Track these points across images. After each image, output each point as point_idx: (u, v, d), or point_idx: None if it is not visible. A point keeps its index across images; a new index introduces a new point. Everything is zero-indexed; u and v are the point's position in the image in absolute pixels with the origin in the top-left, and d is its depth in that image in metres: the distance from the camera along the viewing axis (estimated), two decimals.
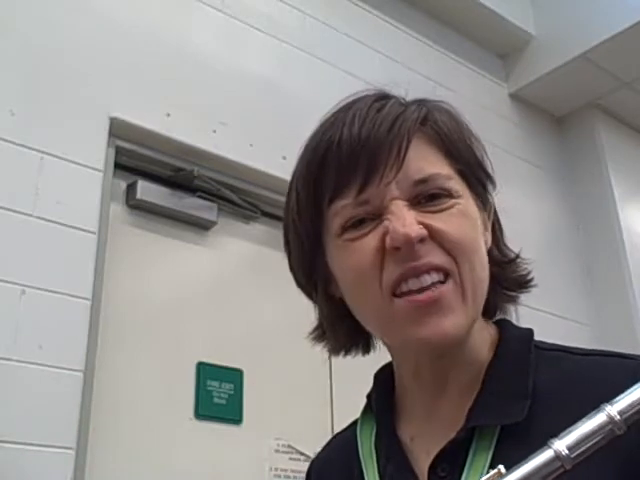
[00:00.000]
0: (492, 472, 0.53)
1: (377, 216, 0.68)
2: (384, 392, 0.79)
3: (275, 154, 2.26)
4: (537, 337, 0.75)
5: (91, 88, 1.97)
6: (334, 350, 0.81)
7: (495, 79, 3.24)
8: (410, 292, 0.66)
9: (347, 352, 0.82)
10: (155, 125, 2.06)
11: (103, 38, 2.05)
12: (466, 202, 0.71)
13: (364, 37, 2.73)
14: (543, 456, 0.52)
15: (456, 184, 0.70)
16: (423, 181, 0.68)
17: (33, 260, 1.73)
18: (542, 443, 0.58)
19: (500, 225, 0.79)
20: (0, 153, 1.76)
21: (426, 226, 0.66)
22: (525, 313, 0.79)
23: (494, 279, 0.74)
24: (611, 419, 0.53)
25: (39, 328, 1.68)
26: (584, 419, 0.54)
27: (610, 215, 3.17)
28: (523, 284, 0.78)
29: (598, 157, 3.28)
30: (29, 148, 1.81)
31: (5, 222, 1.72)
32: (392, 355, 0.78)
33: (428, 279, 0.66)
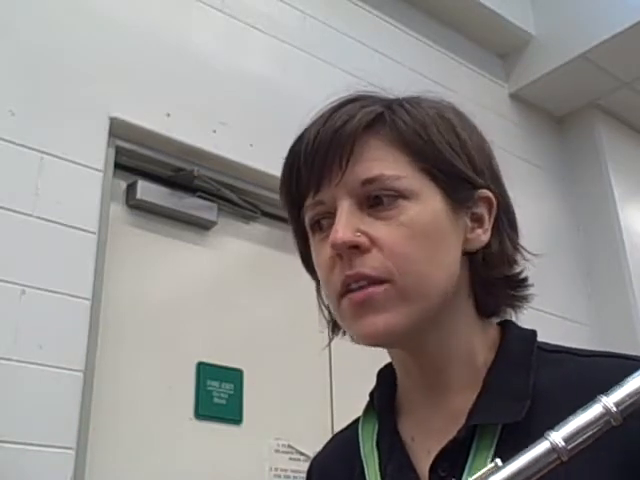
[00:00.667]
0: (489, 465, 0.54)
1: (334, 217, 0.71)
2: (386, 390, 0.79)
3: (275, 154, 2.23)
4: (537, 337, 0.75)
5: (91, 88, 1.97)
6: (352, 339, 0.82)
7: (495, 79, 3.24)
8: (350, 291, 0.69)
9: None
10: (155, 125, 2.06)
11: (103, 38, 2.05)
12: (423, 203, 0.70)
13: (364, 37, 2.73)
14: (539, 448, 0.53)
15: (411, 184, 0.70)
16: (370, 181, 0.70)
17: (33, 260, 1.73)
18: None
19: (511, 222, 0.77)
20: (0, 153, 1.77)
21: (365, 233, 0.69)
22: (525, 313, 0.78)
23: (484, 280, 0.74)
24: (607, 410, 0.53)
25: (39, 328, 1.68)
26: (580, 410, 0.54)
27: (610, 215, 3.17)
28: (515, 282, 0.76)
29: (598, 157, 3.28)
30: (29, 148, 1.81)
31: (5, 222, 1.72)
32: (388, 354, 0.79)
33: (363, 282, 0.68)
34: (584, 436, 0.53)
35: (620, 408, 0.53)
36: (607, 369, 0.68)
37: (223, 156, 2.17)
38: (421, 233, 0.69)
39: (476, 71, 3.15)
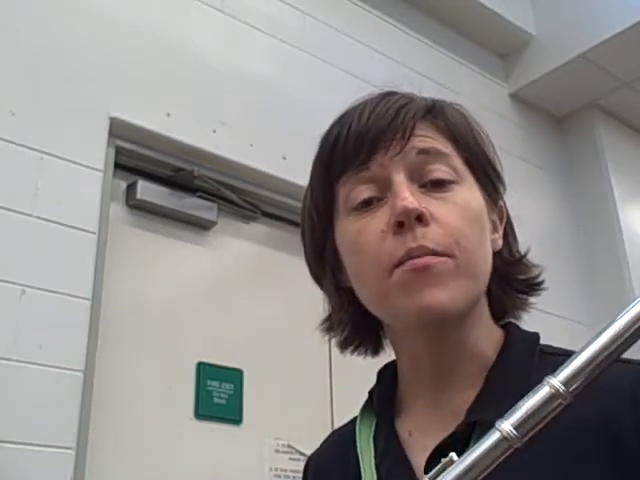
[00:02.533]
0: (444, 460, 0.53)
1: (383, 194, 0.70)
2: (386, 388, 0.79)
3: (275, 154, 2.26)
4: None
5: (91, 88, 1.97)
6: (342, 345, 0.81)
7: (495, 79, 3.24)
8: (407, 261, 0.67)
9: (355, 349, 0.82)
10: (155, 125, 2.06)
11: (103, 38, 2.05)
12: (469, 189, 0.73)
13: (364, 37, 2.73)
14: (491, 439, 0.52)
15: (459, 166, 0.73)
16: (426, 151, 0.71)
17: (33, 260, 1.73)
18: (539, 443, 0.58)
19: (513, 229, 0.81)
20: (0, 153, 1.77)
21: (426, 209, 0.68)
22: (525, 313, 0.79)
23: (503, 280, 0.76)
24: (556, 391, 0.52)
25: (39, 328, 1.68)
26: (529, 394, 0.53)
27: (610, 215, 3.17)
28: (533, 285, 0.79)
29: (598, 157, 3.28)
30: (29, 148, 1.81)
31: (5, 222, 1.72)
32: (394, 349, 0.78)
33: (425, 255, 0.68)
34: (535, 420, 0.52)
35: (569, 387, 0.52)
36: (609, 372, 0.68)
37: (223, 156, 2.17)
38: (474, 216, 0.71)
39: (476, 71, 3.15)
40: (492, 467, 0.52)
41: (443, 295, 0.67)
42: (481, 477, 0.51)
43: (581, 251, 3.17)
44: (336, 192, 0.74)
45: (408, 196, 0.67)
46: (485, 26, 3.13)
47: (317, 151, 0.76)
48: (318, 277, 0.81)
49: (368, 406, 0.80)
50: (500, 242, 0.77)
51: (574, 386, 0.52)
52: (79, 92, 1.94)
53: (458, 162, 0.73)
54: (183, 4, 2.29)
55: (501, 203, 0.79)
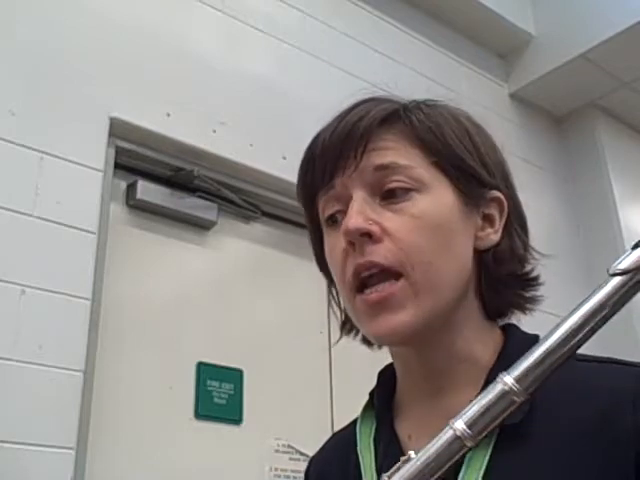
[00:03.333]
0: (403, 458, 0.54)
1: (348, 208, 0.72)
2: (386, 390, 0.79)
3: (275, 154, 2.26)
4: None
5: (91, 88, 1.97)
6: (364, 342, 0.82)
7: (495, 79, 3.23)
8: (365, 291, 0.70)
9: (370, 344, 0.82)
10: (155, 125, 2.06)
11: (103, 38, 2.05)
12: (435, 196, 0.72)
13: (364, 37, 2.73)
14: (445, 437, 0.53)
15: (423, 175, 0.72)
16: (383, 167, 0.72)
17: (33, 260, 1.73)
18: (538, 445, 0.58)
19: (522, 224, 0.79)
20: (0, 153, 1.76)
21: (377, 223, 0.70)
22: (525, 310, 0.79)
23: (494, 278, 0.74)
24: (509, 388, 0.52)
25: (39, 328, 1.68)
26: (484, 393, 0.53)
27: (610, 215, 3.17)
28: (526, 281, 0.77)
29: (598, 157, 3.27)
30: (29, 148, 1.81)
31: (5, 222, 1.72)
32: (390, 352, 0.79)
33: (376, 278, 0.69)
34: (488, 418, 0.53)
35: (523, 385, 0.52)
36: (607, 375, 0.68)
37: (223, 156, 2.17)
38: (432, 225, 0.71)
39: (476, 71, 3.15)
40: (447, 465, 0.53)
41: (396, 320, 0.68)
42: (437, 475, 0.52)
43: (581, 251, 3.17)
44: (317, 207, 0.77)
45: (354, 215, 0.69)
46: (485, 26, 3.13)
47: (298, 172, 0.79)
48: (325, 276, 0.84)
49: (369, 407, 0.80)
50: (495, 237, 0.75)
51: (527, 383, 0.53)
52: (79, 92, 1.94)
53: (420, 171, 0.72)
54: (183, 4, 2.29)
55: (498, 195, 0.76)
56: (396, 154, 0.72)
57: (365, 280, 0.70)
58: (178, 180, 2.16)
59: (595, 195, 3.24)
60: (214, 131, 2.17)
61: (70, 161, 1.86)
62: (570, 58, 3.05)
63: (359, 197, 0.71)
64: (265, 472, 2.05)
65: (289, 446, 2.11)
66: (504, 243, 0.75)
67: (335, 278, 0.75)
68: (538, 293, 0.78)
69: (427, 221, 0.70)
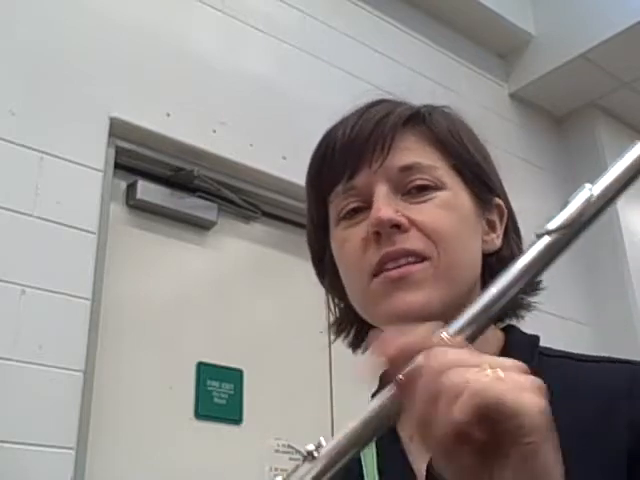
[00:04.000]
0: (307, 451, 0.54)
1: (369, 205, 0.72)
2: None
3: (275, 154, 2.26)
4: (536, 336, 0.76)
5: (91, 88, 1.97)
6: (351, 346, 0.83)
7: (495, 79, 3.23)
8: (385, 270, 0.70)
9: (365, 349, 0.83)
10: (155, 125, 2.06)
11: (103, 38, 2.05)
12: (454, 195, 0.73)
13: (364, 37, 2.73)
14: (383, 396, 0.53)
15: (444, 175, 0.73)
16: (407, 168, 0.73)
17: (33, 260, 1.73)
18: None
19: (516, 231, 0.81)
20: (0, 153, 1.76)
21: (404, 215, 0.70)
22: (524, 313, 0.79)
23: None
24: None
25: (39, 328, 1.68)
26: None
27: (610, 215, 3.17)
28: (531, 285, 0.78)
29: (598, 157, 3.27)
30: (29, 148, 1.81)
31: (5, 222, 1.72)
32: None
33: (403, 260, 0.69)
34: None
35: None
36: (606, 374, 0.68)
37: (223, 156, 2.17)
38: (457, 219, 0.72)
39: (476, 71, 3.15)
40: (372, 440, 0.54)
41: (414, 298, 0.69)
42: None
43: (581, 251, 3.16)
44: (328, 206, 0.77)
45: (382, 207, 0.70)
46: (485, 26, 3.13)
47: (308, 169, 0.79)
48: (322, 282, 0.84)
49: None
50: (498, 242, 0.77)
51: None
52: (79, 92, 1.94)
53: (442, 171, 0.74)
54: (183, 4, 2.29)
55: (500, 202, 0.79)
56: (419, 154, 0.74)
57: (386, 271, 0.70)
58: (178, 180, 2.16)
59: None
60: (214, 131, 2.17)
61: (70, 161, 1.86)
62: (570, 58, 3.05)
63: (383, 191, 0.72)
64: (265, 472, 2.05)
65: (289, 446, 2.11)
66: (505, 249, 0.77)
67: (345, 268, 0.75)
68: (535, 300, 0.79)
69: (451, 214, 0.72)
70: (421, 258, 0.70)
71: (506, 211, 0.79)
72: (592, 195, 0.56)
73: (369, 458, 0.75)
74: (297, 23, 2.56)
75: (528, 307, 0.79)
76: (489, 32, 3.15)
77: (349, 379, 2.28)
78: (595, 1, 3.05)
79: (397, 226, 0.70)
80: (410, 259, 0.69)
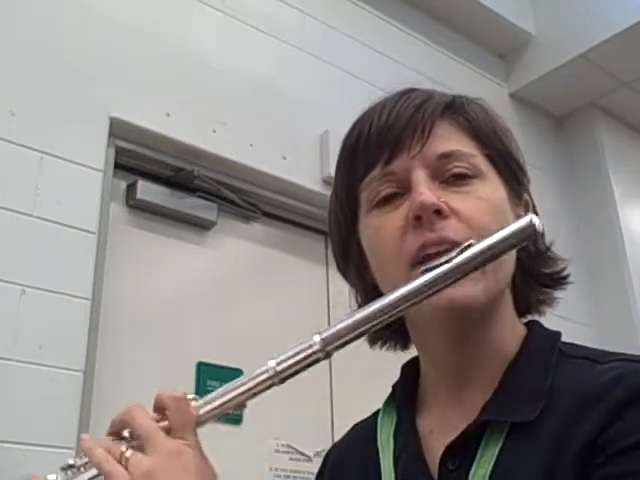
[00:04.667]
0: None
1: (405, 191, 0.71)
2: (409, 384, 0.80)
3: (275, 154, 2.26)
4: None
5: (91, 88, 1.97)
6: (371, 340, 0.82)
7: (495, 79, 3.23)
8: (427, 257, 0.68)
9: (384, 344, 0.82)
10: (155, 125, 2.06)
11: (103, 38, 2.05)
12: (491, 184, 0.73)
13: (364, 37, 2.73)
14: (259, 371, 0.72)
15: (481, 163, 0.73)
16: (447, 155, 0.72)
17: (33, 260, 1.73)
18: (547, 441, 0.60)
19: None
20: (0, 153, 1.76)
21: (445, 202, 0.69)
22: (550, 307, 0.79)
23: (528, 274, 0.76)
24: (316, 348, 0.67)
25: (39, 328, 1.68)
26: (299, 344, 0.68)
27: (610, 215, 3.17)
28: (558, 279, 0.79)
29: (598, 157, 3.27)
30: (29, 148, 1.81)
31: (5, 222, 1.72)
32: (416, 345, 0.79)
33: (444, 247, 0.67)
34: (295, 366, 0.71)
35: (328, 346, 0.66)
36: (621, 373, 0.65)
37: (223, 156, 2.17)
38: (496, 210, 0.71)
39: (476, 71, 3.15)
40: (251, 397, 0.71)
41: (462, 292, 0.67)
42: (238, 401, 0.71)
43: (581, 251, 3.16)
44: (360, 192, 0.75)
45: (425, 191, 0.68)
46: (485, 26, 3.13)
47: (340, 152, 0.78)
48: (345, 273, 0.82)
49: (391, 400, 0.80)
50: None
51: (333, 346, 0.67)
52: (79, 92, 1.94)
53: (479, 160, 0.73)
54: (183, 4, 2.29)
55: (526, 196, 0.79)
56: (457, 142, 0.73)
57: (427, 257, 0.67)
58: (178, 180, 2.16)
59: (595, 195, 3.24)
60: (214, 131, 2.17)
61: (70, 161, 1.86)
62: (570, 58, 3.05)
63: (423, 177, 0.70)
64: (265, 472, 2.05)
65: (289, 446, 2.11)
66: (530, 244, 0.76)
67: (379, 257, 0.73)
68: (559, 296, 0.79)
69: (490, 205, 0.71)
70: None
71: (531, 205, 0.79)
72: (313, 346, 0.68)
73: (386, 450, 0.75)
74: (297, 23, 2.56)
75: (551, 303, 0.79)
76: (489, 32, 3.15)
77: (349, 379, 2.28)
78: (595, 1, 3.05)
79: (439, 212, 0.68)
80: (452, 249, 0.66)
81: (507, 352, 0.72)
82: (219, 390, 0.73)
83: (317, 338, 0.65)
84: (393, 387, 0.81)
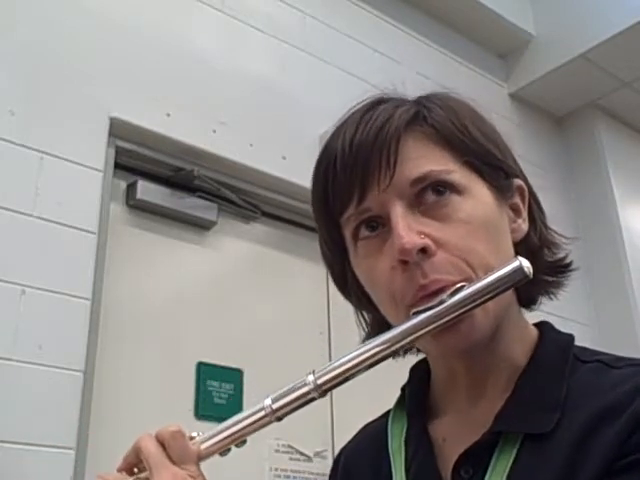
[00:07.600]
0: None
1: (386, 221, 0.68)
2: (418, 388, 0.78)
3: (275, 154, 2.26)
4: None
5: (91, 88, 1.97)
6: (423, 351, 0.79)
7: (495, 79, 3.23)
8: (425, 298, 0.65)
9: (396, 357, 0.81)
10: (155, 125, 2.06)
11: (103, 38, 2.05)
12: (474, 197, 0.69)
13: (364, 37, 2.73)
14: (255, 409, 0.75)
15: (460, 178, 0.68)
16: (420, 180, 0.67)
17: (33, 260, 1.73)
18: (564, 453, 0.60)
19: (539, 207, 0.78)
20: (0, 153, 1.77)
21: (427, 235, 0.65)
22: (525, 313, 0.78)
23: (539, 266, 0.72)
24: (310, 388, 0.70)
25: (39, 328, 1.68)
26: (294, 384, 0.70)
27: (610, 215, 3.17)
28: (561, 268, 0.76)
29: (598, 157, 3.27)
30: (29, 148, 1.81)
31: (5, 222, 1.72)
32: (428, 357, 0.77)
33: (443, 296, 0.64)
34: (291, 404, 0.75)
35: (322, 387, 0.68)
36: (636, 379, 0.64)
37: (223, 156, 2.17)
38: (481, 227, 0.67)
39: (476, 71, 3.15)
40: (250, 433, 0.75)
41: (469, 330, 0.65)
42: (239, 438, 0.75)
43: (581, 251, 3.17)
44: (341, 227, 0.72)
45: (405, 235, 0.64)
46: (485, 26, 3.13)
47: (312, 185, 0.73)
48: (348, 299, 0.80)
49: (401, 403, 0.79)
50: (525, 226, 0.74)
51: (327, 386, 0.68)
52: (79, 92, 1.94)
53: (456, 174, 0.68)
54: (183, 4, 2.29)
55: (519, 182, 0.75)
56: (428, 161, 0.68)
57: (423, 298, 0.65)
58: (178, 180, 2.16)
59: (595, 195, 3.24)
60: (214, 131, 2.17)
61: (70, 161, 1.86)
62: (570, 58, 3.05)
63: (399, 211, 0.66)
64: (265, 472, 2.05)
65: (289, 446, 2.11)
66: (531, 230, 0.74)
67: (378, 298, 0.71)
68: (565, 278, 0.76)
69: (476, 224, 0.67)
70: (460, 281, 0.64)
71: (526, 189, 0.76)
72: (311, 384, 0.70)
73: (398, 457, 0.74)
74: (297, 23, 2.56)
75: (559, 286, 0.77)
76: (489, 32, 3.15)
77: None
78: (595, 1, 3.05)
79: (424, 250, 0.64)
80: (447, 292, 0.64)
81: (517, 359, 0.71)
82: (219, 427, 0.77)
83: (310, 378, 0.68)
84: (402, 389, 0.80)
